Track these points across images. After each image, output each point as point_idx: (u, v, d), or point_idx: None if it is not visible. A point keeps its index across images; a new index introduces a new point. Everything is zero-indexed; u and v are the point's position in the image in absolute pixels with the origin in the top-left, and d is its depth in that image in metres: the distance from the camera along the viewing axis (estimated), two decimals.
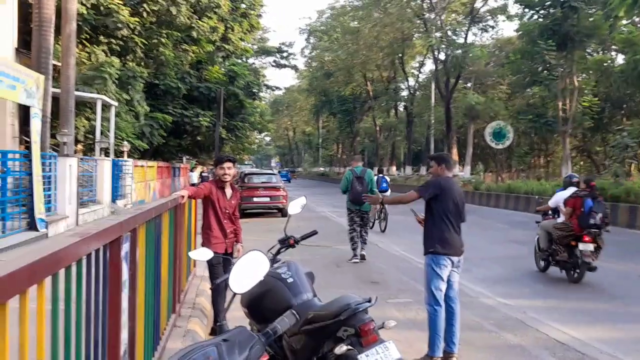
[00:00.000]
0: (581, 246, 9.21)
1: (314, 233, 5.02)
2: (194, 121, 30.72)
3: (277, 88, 76.98)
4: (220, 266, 5.96)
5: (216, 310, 5.99)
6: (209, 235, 6.14)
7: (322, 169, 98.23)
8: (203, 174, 32.07)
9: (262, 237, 14.30)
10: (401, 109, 60.88)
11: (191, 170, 32.48)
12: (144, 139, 26.81)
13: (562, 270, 9.73)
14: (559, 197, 10.01)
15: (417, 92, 54.27)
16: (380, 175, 18.10)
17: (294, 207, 4.88)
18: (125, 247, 3.17)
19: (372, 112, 61.02)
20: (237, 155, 53.75)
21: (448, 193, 5.61)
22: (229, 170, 6.10)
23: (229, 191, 6.25)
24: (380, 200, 6.51)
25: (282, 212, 20.81)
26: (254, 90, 37.14)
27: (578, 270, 9.34)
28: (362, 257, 11.38)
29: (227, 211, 6.20)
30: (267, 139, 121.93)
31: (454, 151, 42.67)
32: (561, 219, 9.76)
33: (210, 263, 5.89)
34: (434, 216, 5.63)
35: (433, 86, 44.94)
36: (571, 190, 9.82)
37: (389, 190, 17.44)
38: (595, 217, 9.22)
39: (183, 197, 5.83)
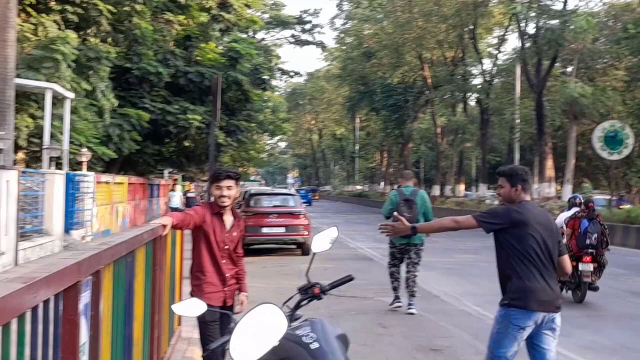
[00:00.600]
0: (581, 266, 12.63)
1: (349, 279, 4.99)
2: (180, 120, 31.01)
3: (297, 74, 77.82)
4: (216, 325, 5.94)
5: None
6: (201, 282, 6.09)
7: (359, 187, 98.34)
8: (188, 195, 32.03)
9: (275, 283, 14.31)
10: (472, 103, 60.66)
11: (172, 190, 32.46)
12: (111, 144, 27.10)
13: (568, 291, 13.05)
14: (561, 218, 13.71)
15: (496, 80, 54.07)
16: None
17: (321, 241, 4.86)
18: (85, 297, 3.20)
19: (432, 108, 60.95)
20: (240, 168, 54.13)
21: (526, 227, 5.56)
22: (229, 192, 6.05)
23: (229, 219, 6.19)
24: (411, 229, 6.13)
25: (303, 249, 20.79)
26: (264, 77, 37.43)
27: (578, 290, 12.93)
28: (410, 303, 11.79)
29: (226, 247, 6.15)
30: (282, 145, 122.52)
31: (549, 163, 42.37)
32: (564, 240, 12.21)
33: (202, 320, 5.85)
34: (510, 256, 5.61)
35: (519, 71, 44.67)
36: (574, 211, 13.57)
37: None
38: (590, 237, 12.68)
39: (165, 226, 5.78)
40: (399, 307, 11.87)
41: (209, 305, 5.22)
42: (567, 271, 5.90)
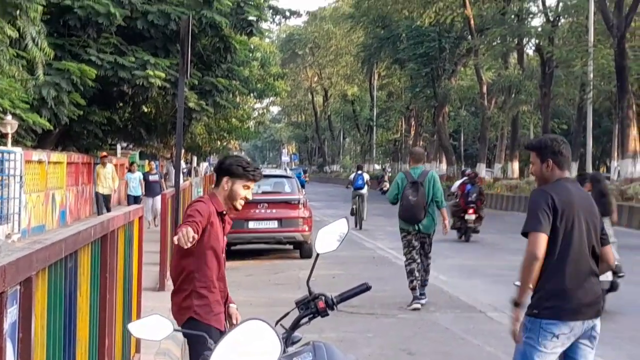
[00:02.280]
0: (467, 216, 26.26)
1: (365, 289, 5.03)
2: (137, 77, 30.86)
3: (295, 13, 77.01)
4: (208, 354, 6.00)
5: None
6: (208, 301, 6.29)
7: (377, 166, 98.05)
8: (150, 178, 31.12)
9: (265, 296, 14.38)
10: (531, 51, 60.55)
11: (129, 170, 31.58)
12: (45, 110, 27.09)
13: (458, 233, 26.23)
14: (455, 185, 29.49)
15: (561, 20, 53.93)
16: (359, 172, 35.07)
17: (327, 239, 4.89)
18: (11, 314, 3.20)
19: (475, 59, 60.81)
20: (218, 142, 54.10)
21: (563, 214, 5.86)
22: (249, 195, 6.41)
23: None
24: (514, 304, 6.19)
25: (303, 250, 20.85)
26: (251, 18, 37.15)
27: (465, 233, 26.07)
28: (415, 307, 13.89)
29: (223, 255, 6.43)
30: (275, 110, 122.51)
31: (633, 132, 42.32)
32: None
33: (196, 341, 5.86)
34: (548, 250, 5.90)
35: (592, 8, 44.60)
36: (463, 179, 28.61)
37: (366, 188, 33.47)
38: (471, 196, 26.68)
39: (194, 238, 5.74)
40: (419, 308, 13.65)
41: (212, 328, 6.00)
42: (611, 264, 6.29)
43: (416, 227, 14.07)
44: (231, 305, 6.51)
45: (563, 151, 6.09)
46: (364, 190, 32.89)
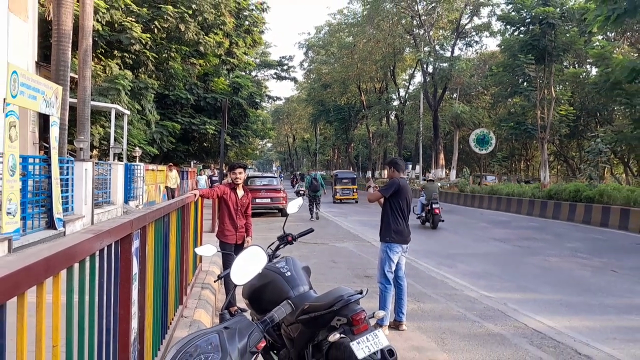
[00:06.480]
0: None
1: (310, 231, 5.05)
2: (200, 129, 30.65)
3: (278, 98, 76.22)
4: (232, 255, 6.11)
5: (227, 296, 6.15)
6: (222, 228, 6.71)
7: (319, 172, 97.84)
8: (213, 178, 31.08)
9: (263, 234, 14.32)
10: (392, 117, 60.92)
11: (199, 174, 31.42)
12: (155, 145, 26.76)
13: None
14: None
15: (407, 102, 54.32)
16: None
17: (292, 207, 4.91)
18: (136, 244, 3.17)
19: (366, 120, 60.97)
20: (240, 160, 53.75)
21: (403, 190, 6.20)
22: (240, 175, 6.71)
23: (240, 192, 6.80)
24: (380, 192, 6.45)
25: (282, 213, 20.76)
26: (257, 100, 37.03)
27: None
28: (317, 217, 19.19)
29: (238, 208, 6.72)
30: (269, 145, 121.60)
31: (441, 156, 42.72)
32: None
33: (223, 251, 6.29)
34: (392, 210, 6.18)
35: (422, 96, 44.93)
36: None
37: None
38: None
39: (195, 195, 6.24)
40: (312, 218, 18.70)
41: (226, 243, 6.44)
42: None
43: (314, 194, 19.08)
44: (248, 237, 6.80)
45: (400, 165, 6.44)
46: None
